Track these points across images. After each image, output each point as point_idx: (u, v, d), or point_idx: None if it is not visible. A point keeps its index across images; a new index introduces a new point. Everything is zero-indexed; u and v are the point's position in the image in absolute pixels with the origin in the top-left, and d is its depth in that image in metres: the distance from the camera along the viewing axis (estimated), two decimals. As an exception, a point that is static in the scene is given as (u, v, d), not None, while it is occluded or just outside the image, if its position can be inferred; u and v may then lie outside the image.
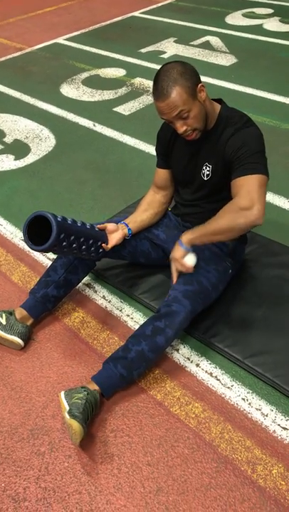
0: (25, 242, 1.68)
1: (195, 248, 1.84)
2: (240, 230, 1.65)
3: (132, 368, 1.68)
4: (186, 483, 1.48)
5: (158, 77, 1.63)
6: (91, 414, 1.59)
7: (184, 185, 1.97)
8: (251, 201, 1.58)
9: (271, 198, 2.67)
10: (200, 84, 1.64)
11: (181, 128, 1.66)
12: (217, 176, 1.80)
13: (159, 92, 1.61)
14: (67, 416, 1.51)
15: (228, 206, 1.65)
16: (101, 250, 1.88)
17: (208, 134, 1.77)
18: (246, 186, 1.62)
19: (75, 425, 1.49)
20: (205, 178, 1.84)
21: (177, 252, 1.78)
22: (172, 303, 1.73)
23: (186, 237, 1.75)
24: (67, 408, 1.54)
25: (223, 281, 1.93)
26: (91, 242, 1.82)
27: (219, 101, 1.79)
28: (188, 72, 1.62)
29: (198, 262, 1.83)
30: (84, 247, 1.79)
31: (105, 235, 1.89)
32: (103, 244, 1.87)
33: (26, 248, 2.49)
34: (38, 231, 1.68)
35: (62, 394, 1.60)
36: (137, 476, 1.51)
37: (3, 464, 1.58)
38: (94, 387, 1.66)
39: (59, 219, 1.67)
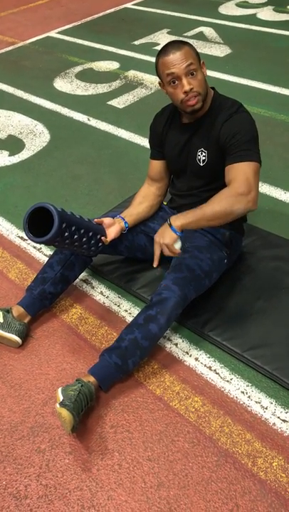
0: (27, 235, 1.66)
1: (190, 236, 1.84)
2: (236, 215, 1.67)
3: (126, 357, 1.68)
4: (187, 478, 1.48)
5: (167, 44, 1.72)
6: (86, 406, 1.58)
7: (178, 174, 1.97)
8: (249, 187, 1.63)
9: (267, 189, 2.66)
10: (202, 61, 1.74)
11: (187, 85, 1.67)
12: (213, 161, 1.81)
13: (170, 48, 1.69)
14: (57, 405, 1.52)
15: (225, 191, 1.66)
16: (100, 244, 1.87)
17: (202, 119, 1.80)
18: (243, 172, 1.66)
19: (64, 413, 1.49)
20: (201, 164, 1.84)
21: (168, 237, 1.68)
22: (162, 291, 1.73)
23: (179, 221, 1.67)
24: (61, 399, 1.55)
25: (218, 270, 1.92)
26: (91, 234, 1.81)
27: (211, 88, 1.83)
28: (193, 47, 1.74)
29: (192, 250, 1.82)
30: (85, 239, 1.78)
31: (103, 229, 1.88)
32: (102, 238, 1.86)
33: (23, 245, 2.48)
34: (38, 226, 1.67)
35: (59, 390, 1.60)
36: (138, 471, 1.52)
37: (3, 461, 1.58)
38: (90, 379, 1.66)
39: (59, 209, 1.67)
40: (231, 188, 1.65)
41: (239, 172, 1.67)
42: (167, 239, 1.69)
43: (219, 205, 1.64)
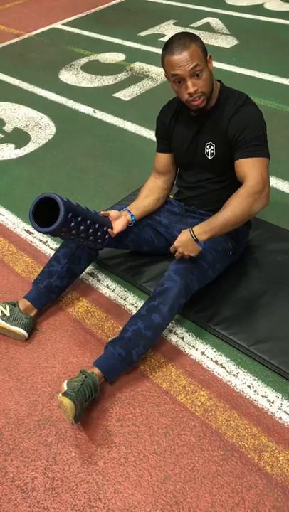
0: (33, 226, 1.65)
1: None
2: (255, 214, 1.71)
3: (129, 347, 1.68)
4: (193, 471, 1.49)
5: (173, 38, 1.67)
6: (90, 397, 1.59)
7: (186, 167, 1.96)
8: (263, 184, 1.68)
9: (275, 182, 2.64)
10: (209, 55, 1.70)
11: (192, 87, 1.66)
12: (221, 154, 1.80)
13: (176, 45, 1.64)
14: (59, 395, 1.53)
15: (242, 193, 1.67)
16: (107, 236, 1.87)
17: (209, 112, 1.79)
18: (256, 169, 1.68)
19: (66, 401, 1.50)
20: (209, 157, 1.83)
21: (194, 251, 1.71)
22: (165, 281, 1.74)
23: (206, 235, 1.67)
24: (64, 389, 1.56)
25: (222, 261, 1.91)
26: (97, 226, 1.80)
27: (217, 81, 1.82)
28: (201, 40, 1.69)
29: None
30: (91, 230, 1.78)
31: (110, 222, 1.88)
32: (109, 230, 1.85)
33: (29, 238, 2.48)
34: (44, 218, 1.67)
35: (64, 383, 1.61)
36: (144, 464, 1.52)
37: (10, 454, 1.59)
38: (94, 371, 1.66)
39: (65, 199, 1.66)
40: (247, 188, 1.67)
41: (252, 169, 1.68)
42: (193, 252, 1.72)
43: (240, 208, 1.66)
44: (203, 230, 1.69)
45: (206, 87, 1.68)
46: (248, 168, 1.69)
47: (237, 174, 1.75)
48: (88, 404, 1.63)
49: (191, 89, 1.66)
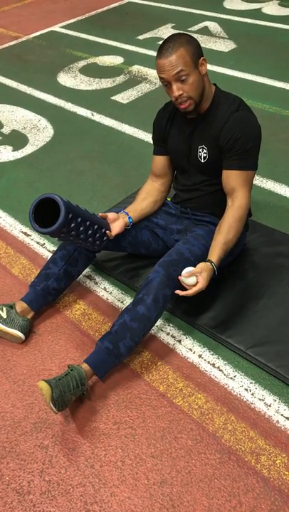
0: (32, 226, 1.66)
1: (190, 227, 1.94)
2: None
3: (116, 340, 1.68)
4: (190, 475, 1.48)
5: (165, 41, 1.68)
6: (74, 388, 1.59)
7: (181, 170, 1.98)
8: (250, 200, 1.80)
9: (272, 186, 2.65)
10: (202, 58, 1.69)
11: (176, 91, 1.67)
12: (214, 157, 1.82)
13: (163, 49, 1.65)
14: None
15: (240, 216, 1.76)
16: (105, 238, 1.87)
17: (203, 116, 1.80)
18: (247, 187, 1.78)
19: (41, 384, 1.53)
20: (202, 161, 1.84)
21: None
22: (149, 274, 1.77)
23: (215, 264, 1.70)
24: None
25: None
26: (96, 227, 1.80)
27: (213, 85, 1.83)
28: (195, 42, 1.69)
29: (187, 237, 1.90)
30: (90, 232, 1.78)
31: (108, 223, 1.88)
32: (107, 232, 1.86)
33: (26, 240, 2.47)
34: (43, 219, 1.67)
35: None
36: (141, 468, 1.51)
37: (6, 457, 1.58)
38: (82, 365, 1.67)
39: (65, 200, 1.67)
40: (242, 208, 1.77)
41: (243, 186, 1.77)
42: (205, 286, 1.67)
43: (238, 230, 1.77)
44: (218, 260, 1.72)
45: (193, 92, 1.68)
46: (238, 183, 1.76)
47: (224, 182, 1.79)
48: (79, 401, 1.66)
49: (176, 93, 1.67)
